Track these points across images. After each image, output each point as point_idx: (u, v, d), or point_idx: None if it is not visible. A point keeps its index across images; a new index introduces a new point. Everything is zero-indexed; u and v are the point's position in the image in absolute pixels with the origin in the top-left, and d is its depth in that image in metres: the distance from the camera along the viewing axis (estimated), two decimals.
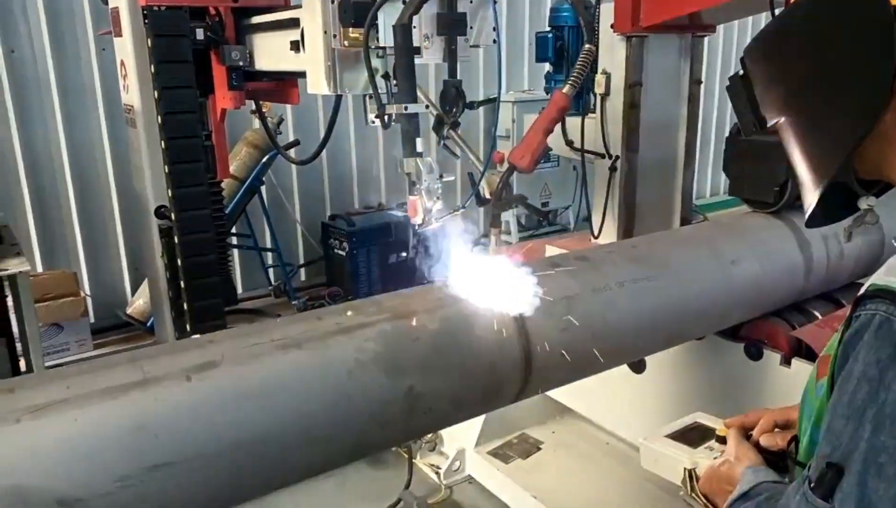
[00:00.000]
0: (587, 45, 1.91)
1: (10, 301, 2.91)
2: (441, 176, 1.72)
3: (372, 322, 1.64)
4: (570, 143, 2.99)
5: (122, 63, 2.91)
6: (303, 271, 6.02)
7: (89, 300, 4.80)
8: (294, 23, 2.28)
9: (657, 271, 2.05)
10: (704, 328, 2.25)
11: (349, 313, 1.66)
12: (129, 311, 4.80)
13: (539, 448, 3.26)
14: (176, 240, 2.70)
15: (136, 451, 1.31)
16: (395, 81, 1.82)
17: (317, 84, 2.17)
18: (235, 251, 5.29)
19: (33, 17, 4.36)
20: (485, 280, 1.72)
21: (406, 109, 1.72)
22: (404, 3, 1.78)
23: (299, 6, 2.23)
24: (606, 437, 3.23)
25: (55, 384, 1.32)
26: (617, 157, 2.90)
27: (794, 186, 2.38)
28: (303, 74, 2.34)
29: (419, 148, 1.74)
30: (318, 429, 1.48)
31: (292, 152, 4.23)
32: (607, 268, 1.99)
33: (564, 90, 1.91)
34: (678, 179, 3.10)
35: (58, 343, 4.45)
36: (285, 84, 2.88)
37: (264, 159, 4.92)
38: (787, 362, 2.31)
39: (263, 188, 5.26)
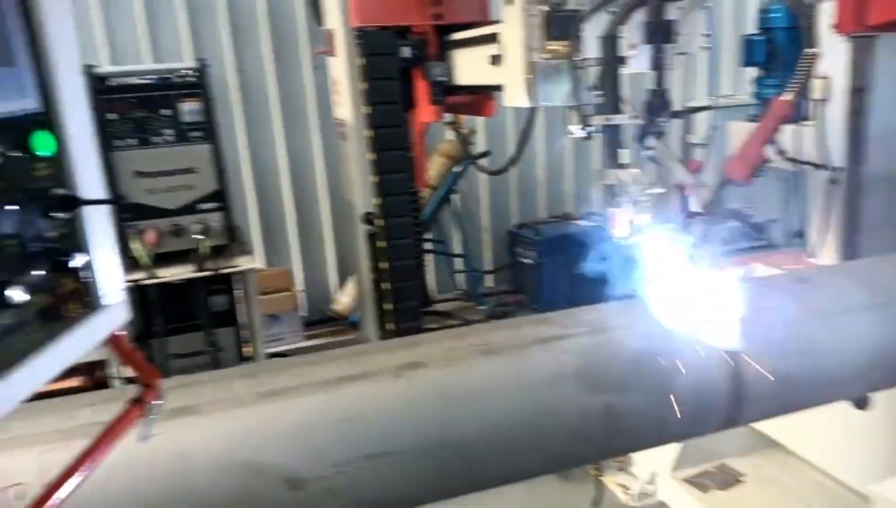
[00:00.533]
0: (811, 49, 1.75)
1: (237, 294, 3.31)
2: (649, 187, 1.67)
3: (570, 335, 1.63)
4: (782, 152, 2.77)
5: (336, 80, 3.18)
6: (490, 277, 6.15)
7: (301, 296, 5.28)
8: (494, 38, 2.35)
9: (891, 298, 1.82)
10: None
11: (546, 324, 1.67)
12: (334, 307, 5.22)
13: (740, 481, 3.04)
14: (380, 245, 2.90)
15: (352, 439, 1.42)
16: (598, 92, 1.80)
17: (515, 97, 2.22)
18: (429, 256, 5.54)
19: (262, 41, 4.90)
20: (693, 299, 1.64)
21: (610, 119, 1.70)
22: (611, 12, 1.76)
23: (499, 21, 2.29)
24: (818, 475, 2.93)
25: (287, 372, 1.48)
26: (838, 168, 2.63)
27: None
28: (499, 88, 2.40)
29: (623, 159, 1.71)
30: (517, 438, 1.51)
31: (483, 163, 4.35)
32: (831, 292, 1.80)
33: (785, 97, 1.77)
34: None
35: (274, 333, 4.95)
36: (481, 97, 2.97)
37: (457, 169, 5.11)
38: None
39: (454, 197, 5.46)
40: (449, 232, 5.78)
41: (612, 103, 1.74)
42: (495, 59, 2.31)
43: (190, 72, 2.95)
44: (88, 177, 0.87)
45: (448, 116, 3.32)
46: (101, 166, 0.91)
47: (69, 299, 0.84)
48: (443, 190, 5.15)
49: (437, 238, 5.55)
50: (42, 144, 0.80)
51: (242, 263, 3.06)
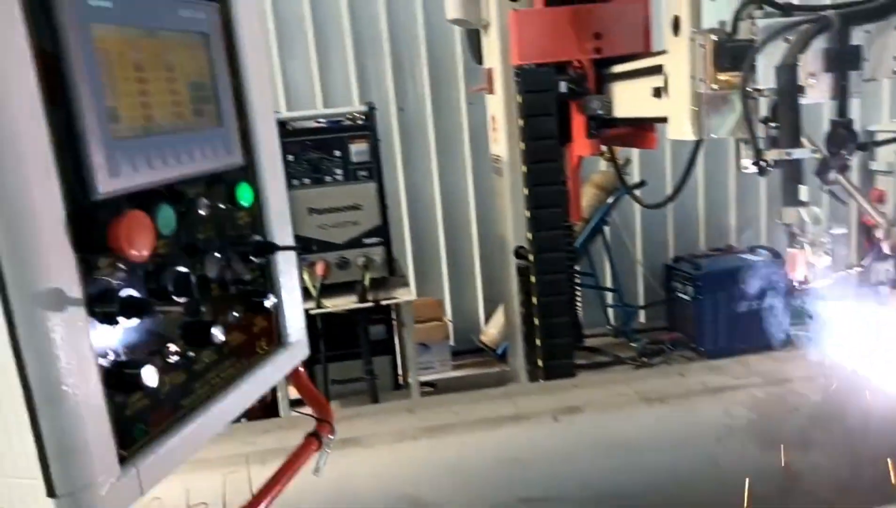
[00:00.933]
0: None
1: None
2: (830, 228, 1.53)
3: (741, 385, 1.53)
4: None
5: (494, 117, 3.24)
6: (642, 313, 5.92)
7: (450, 326, 5.38)
8: (657, 70, 2.28)
9: None
10: None
11: (715, 373, 1.57)
12: (482, 338, 5.27)
13: None
14: (532, 279, 2.88)
15: (509, 481, 1.41)
16: (773, 124, 1.68)
17: (679, 129, 2.13)
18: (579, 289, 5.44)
19: (421, 80, 5.12)
20: (881, 350, 1.48)
21: (789, 154, 1.57)
22: (787, 40, 1.64)
23: (663, 52, 2.22)
24: None
25: (446, 408, 1.50)
26: None
27: None
28: (662, 120, 2.31)
29: (803, 196, 1.58)
30: (683, 494, 1.42)
31: (638, 193, 4.22)
32: None
33: None
34: None
35: (424, 361, 5.06)
36: (641, 129, 2.88)
37: (610, 200, 4.99)
38: None
39: (606, 228, 5.33)
40: (600, 265, 5.64)
41: (791, 136, 1.61)
42: (658, 92, 2.24)
43: (359, 115, 3.15)
44: (280, 223, 0.95)
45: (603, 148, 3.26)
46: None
47: (260, 337, 0.91)
48: (595, 221, 5.06)
49: (588, 271, 5.44)
50: (244, 194, 0.88)
51: (400, 295, 3.18)
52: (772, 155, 1.63)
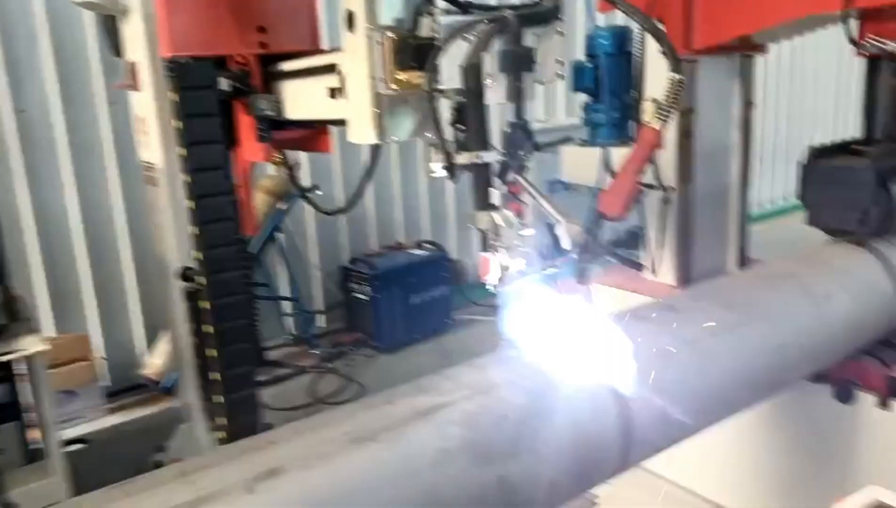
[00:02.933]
0: (676, 76, 1.73)
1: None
2: (521, 230, 1.52)
3: (451, 402, 1.43)
4: (614, 174, 2.83)
5: (141, 118, 2.74)
6: (322, 318, 5.82)
7: (104, 363, 4.59)
8: (330, 68, 2.12)
9: (750, 316, 1.85)
10: (802, 372, 2.04)
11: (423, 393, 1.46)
12: (145, 372, 4.58)
13: (595, 504, 3.01)
14: (205, 304, 2.50)
15: None
16: (460, 127, 1.63)
17: (360, 133, 1.99)
18: None
19: (44, 74, 4.22)
20: (571, 342, 1.53)
21: (479, 157, 1.53)
22: (465, 39, 1.60)
23: (337, 49, 2.06)
24: (671, 488, 2.99)
25: None
26: (670, 187, 2.72)
27: (879, 211, 2.20)
28: (339, 122, 2.16)
29: (494, 200, 1.55)
30: None
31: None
32: (698, 317, 1.79)
33: (654, 125, 1.72)
34: (733, 208, 2.92)
35: (71, 411, 4.21)
36: (317, 132, 2.70)
37: (283, 206, 4.75)
38: (883, 404, 2.09)
39: (279, 235, 5.08)
40: (274, 273, 5.37)
41: (479, 139, 1.57)
42: (334, 92, 2.07)
43: None
44: None
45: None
46: None
47: None
48: (267, 229, 4.77)
49: (262, 281, 5.12)
50: None
51: (26, 345, 2.50)
52: (462, 159, 1.57)
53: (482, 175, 1.56)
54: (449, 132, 1.60)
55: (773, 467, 2.43)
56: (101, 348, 4.64)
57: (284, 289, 5.44)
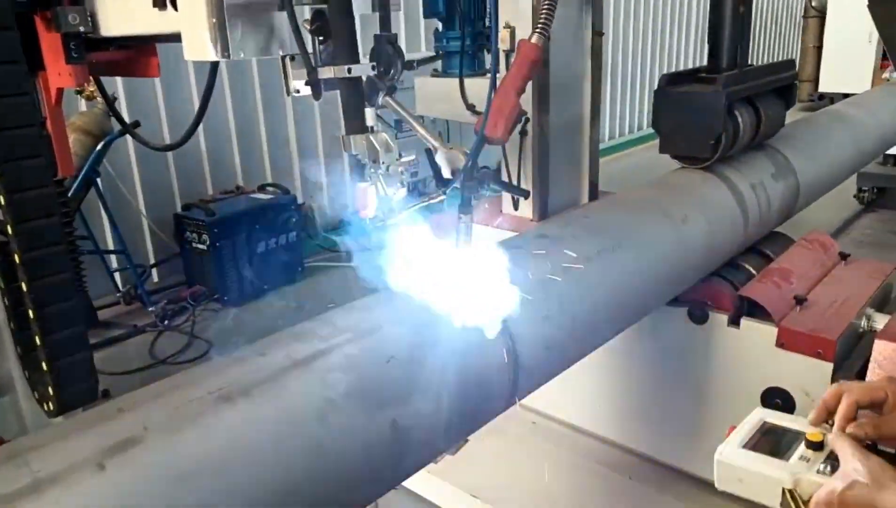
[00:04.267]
0: None
1: None
2: (400, 156, 1.38)
3: (333, 347, 1.29)
4: (471, 106, 2.74)
5: None
6: (155, 272, 5.34)
7: None
8: None
9: (619, 240, 1.87)
10: (666, 295, 2.12)
11: (300, 340, 1.29)
12: None
13: (466, 441, 3.03)
14: (16, 259, 2.11)
15: None
16: (322, 39, 1.43)
17: (197, 49, 1.69)
18: None
19: None
20: (454, 276, 1.43)
21: (350, 71, 1.34)
22: None
23: None
24: (533, 417, 3.08)
25: None
26: (527, 119, 2.68)
27: (727, 137, 2.30)
28: (171, 38, 1.85)
29: (370, 121, 1.38)
30: (291, 500, 1.12)
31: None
32: (570, 244, 1.76)
33: (533, 40, 1.62)
34: (585, 139, 2.96)
35: None
36: (140, 53, 2.32)
37: (99, 147, 4.20)
38: (734, 322, 2.24)
39: (99, 180, 4.52)
40: (97, 224, 4.80)
41: (349, 50, 1.38)
42: (160, 1, 1.75)
43: None
44: None
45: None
46: None
47: None
48: (84, 173, 4.20)
49: (83, 234, 4.56)
50: None
51: None
52: (328, 73, 1.38)
53: (354, 92, 1.38)
54: (306, 45, 1.40)
55: (635, 390, 2.55)
56: None
57: (109, 242, 4.90)
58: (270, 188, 5.41)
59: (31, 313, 2.21)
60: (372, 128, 1.38)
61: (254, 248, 4.99)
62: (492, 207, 2.95)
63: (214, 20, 1.58)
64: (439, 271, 1.42)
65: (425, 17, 2.88)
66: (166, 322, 4.65)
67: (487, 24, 2.92)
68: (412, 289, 1.42)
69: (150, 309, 4.75)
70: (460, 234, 1.44)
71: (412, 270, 1.40)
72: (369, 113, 1.39)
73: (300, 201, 5.63)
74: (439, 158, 1.48)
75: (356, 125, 1.37)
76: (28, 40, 2.11)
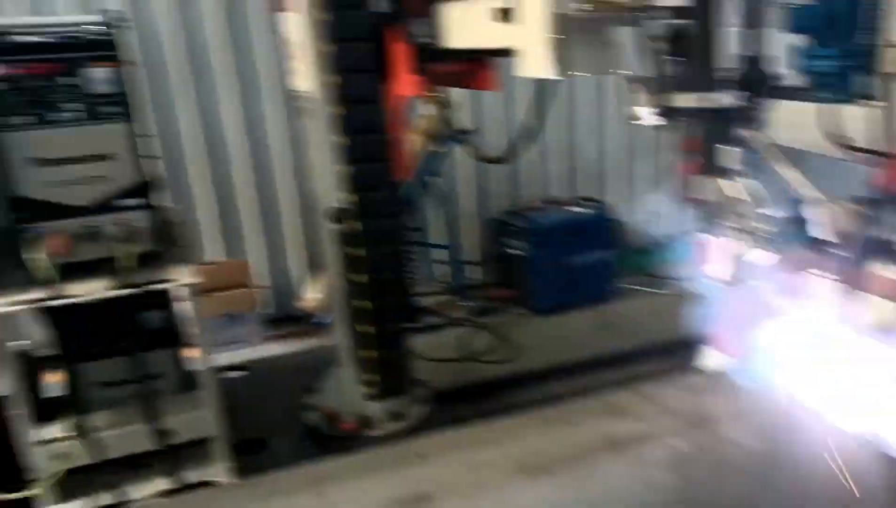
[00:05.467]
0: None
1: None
2: (766, 208, 1.08)
3: (655, 434, 1.06)
4: (843, 140, 2.22)
5: (291, 42, 2.49)
6: (472, 268, 5.57)
7: (266, 291, 4.66)
8: None
9: None
10: None
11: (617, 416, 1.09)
12: (301, 304, 4.61)
13: None
14: (358, 252, 2.27)
15: None
16: (677, 60, 1.20)
17: (533, 65, 1.60)
18: None
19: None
20: (820, 366, 1.08)
21: (712, 100, 1.09)
22: None
23: None
24: None
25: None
26: None
27: None
28: (509, 53, 1.78)
29: (730, 162, 1.11)
30: None
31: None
32: None
33: None
34: None
35: (230, 335, 4.35)
36: (479, 65, 2.32)
37: (437, 151, 4.47)
38: None
39: (435, 179, 4.83)
40: (427, 219, 5.16)
41: (705, 76, 1.13)
42: (504, 14, 1.68)
43: (98, 27, 2.22)
44: None
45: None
46: None
47: None
48: (422, 173, 4.52)
49: (415, 225, 4.93)
50: None
51: (178, 275, 2.41)
52: (685, 101, 1.14)
53: (717, 125, 1.11)
54: (661, 66, 1.16)
55: None
56: (264, 275, 4.71)
57: (435, 236, 5.24)
58: (587, 202, 5.27)
59: (368, 303, 2.37)
60: (731, 171, 1.10)
61: (568, 260, 4.90)
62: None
63: (553, 36, 1.46)
64: (800, 357, 1.09)
65: (793, 32, 2.40)
66: (480, 319, 4.80)
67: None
68: (758, 373, 1.11)
69: (465, 303, 4.96)
70: (833, 310, 1.08)
71: (759, 348, 1.10)
72: (730, 153, 1.11)
73: (616, 217, 5.39)
74: (812, 212, 1.13)
75: (711, 165, 1.10)
76: (379, 53, 2.24)
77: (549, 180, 5.60)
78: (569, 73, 1.55)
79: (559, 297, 4.86)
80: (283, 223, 4.74)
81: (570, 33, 1.48)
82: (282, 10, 2.45)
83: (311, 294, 4.45)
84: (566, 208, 5.17)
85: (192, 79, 4.22)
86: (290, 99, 2.97)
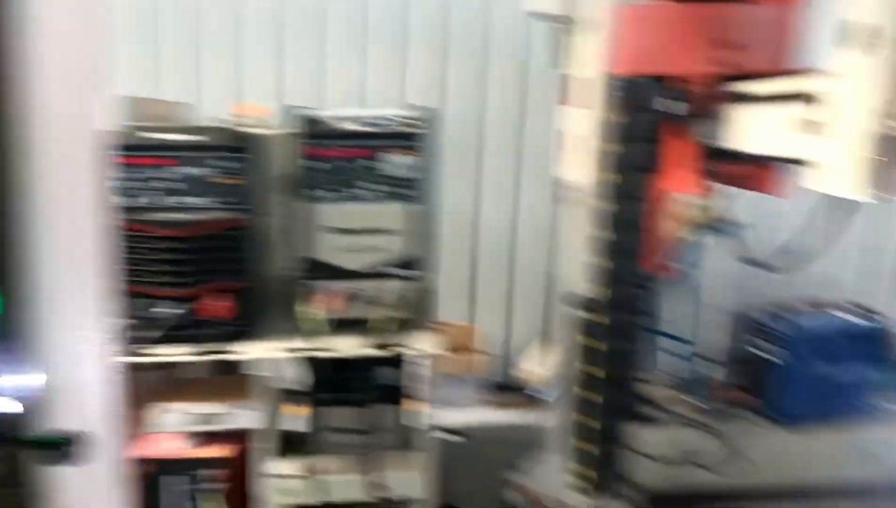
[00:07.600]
0: None
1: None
2: None
3: None
4: None
5: (569, 135, 2.57)
6: (706, 364, 5.18)
7: (488, 357, 4.78)
8: (806, 96, 1.63)
9: None
10: None
11: None
12: (518, 374, 4.65)
13: None
14: (599, 346, 2.24)
15: None
16: None
17: (840, 183, 1.48)
18: None
19: (489, 82, 4.47)
20: None
21: None
22: None
23: (817, 70, 1.57)
24: None
25: None
26: None
27: None
28: (803, 162, 1.66)
29: None
30: None
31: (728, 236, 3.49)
32: None
33: None
34: None
35: (449, 396, 4.48)
36: (766, 169, 2.20)
37: (702, 241, 4.27)
38: None
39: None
40: (668, 306, 4.93)
41: None
42: (809, 126, 1.59)
43: (406, 119, 2.51)
44: None
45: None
46: None
47: None
48: (678, 264, 4.35)
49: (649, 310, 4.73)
50: None
51: (424, 342, 2.57)
52: None
53: None
54: None
55: None
56: (493, 344, 4.84)
57: (672, 325, 4.98)
58: (855, 308, 4.65)
59: (598, 397, 2.32)
60: None
61: (828, 371, 4.37)
62: None
63: (876, 157, 1.34)
64: None
65: None
66: (709, 422, 4.43)
67: None
68: None
69: (691, 400, 4.61)
70: None
71: None
72: None
73: (889, 329, 4.68)
74: None
75: None
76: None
77: (814, 280, 5.06)
78: (881, 195, 1.42)
79: (809, 410, 4.33)
80: (519, 297, 4.85)
81: (890, 154, 1.37)
82: (566, 103, 2.56)
83: (530, 366, 4.47)
84: (829, 312, 4.63)
85: (465, 156, 4.54)
86: (553, 186, 3.07)
